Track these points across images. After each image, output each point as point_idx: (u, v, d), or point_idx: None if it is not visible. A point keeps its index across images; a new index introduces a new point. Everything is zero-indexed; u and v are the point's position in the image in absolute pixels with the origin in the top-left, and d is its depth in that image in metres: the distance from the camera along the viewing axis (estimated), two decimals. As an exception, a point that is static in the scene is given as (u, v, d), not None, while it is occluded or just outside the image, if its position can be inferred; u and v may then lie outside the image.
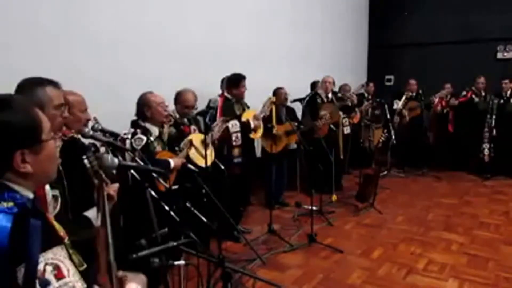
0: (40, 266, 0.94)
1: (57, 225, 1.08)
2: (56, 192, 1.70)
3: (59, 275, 0.97)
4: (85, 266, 1.05)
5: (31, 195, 1.06)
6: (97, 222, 1.61)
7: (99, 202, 1.49)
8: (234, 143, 4.00)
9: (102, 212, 1.42)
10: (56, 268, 0.97)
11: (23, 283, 0.91)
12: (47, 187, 1.64)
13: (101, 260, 1.33)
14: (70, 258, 1.02)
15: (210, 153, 3.31)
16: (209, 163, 3.27)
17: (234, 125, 3.98)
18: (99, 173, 1.50)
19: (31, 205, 1.03)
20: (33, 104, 1.09)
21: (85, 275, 1.03)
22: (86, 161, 1.51)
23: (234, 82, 4.10)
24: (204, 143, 3.07)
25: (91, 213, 1.67)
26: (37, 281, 0.93)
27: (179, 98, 3.58)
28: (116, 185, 1.68)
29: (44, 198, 1.62)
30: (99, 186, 1.49)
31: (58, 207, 1.71)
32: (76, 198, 1.83)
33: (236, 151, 4.03)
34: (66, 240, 1.06)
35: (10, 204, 0.97)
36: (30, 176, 1.03)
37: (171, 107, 3.52)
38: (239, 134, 4.01)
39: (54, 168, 1.14)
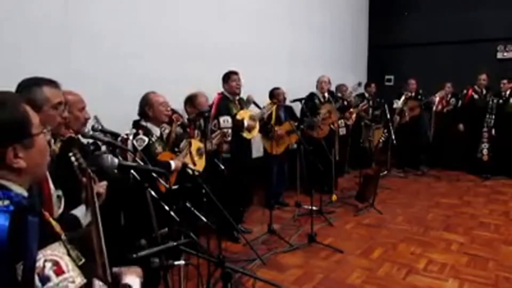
0: (40, 263, 0.94)
1: (53, 222, 1.08)
2: (60, 192, 1.70)
3: (58, 271, 0.97)
4: (83, 260, 1.06)
5: (25, 193, 1.06)
6: (85, 220, 1.61)
7: (87, 200, 1.48)
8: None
9: (93, 210, 1.41)
10: (56, 264, 0.97)
11: (22, 280, 0.92)
12: (52, 187, 1.64)
13: (96, 257, 1.33)
14: (69, 254, 1.02)
15: (202, 163, 3.31)
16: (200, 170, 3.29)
17: (225, 121, 3.96)
18: (86, 170, 1.49)
19: (27, 203, 1.03)
20: (21, 99, 1.09)
21: (84, 270, 1.04)
22: (72, 158, 1.50)
23: (224, 78, 4.15)
24: (205, 148, 3.08)
25: (79, 211, 1.66)
26: (37, 278, 0.93)
27: (193, 101, 3.62)
28: (104, 183, 1.67)
29: (50, 198, 1.62)
30: (86, 184, 1.48)
31: (62, 207, 1.71)
32: (76, 198, 1.83)
33: (224, 147, 4.02)
34: (63, 236, 1.06)
35: (6, 202, 0.98)
36: (23, 171, 1.04)
37: (172, 106, 3.52)
38: (229, 130, 4.00)
39: (46, 162, 1.14)
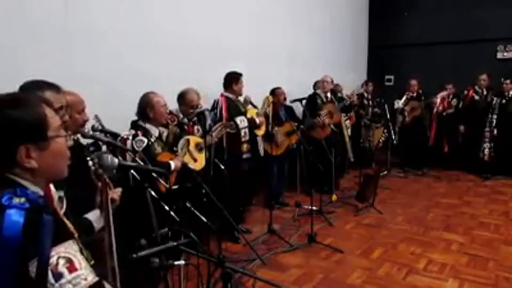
0: (53, 260, 0.96)
1: (67, 221, 1.10)
2: (62, 193, 1.71)
3: (71, 268, 0.99)
4: (93, 261, 1.07)
5: (41, 192, 1.08)
6: (98, 224, 1.62)
7: (101, 205, 1.49)
8: (243, 139, 4.05)
9: (106, 215, 1.42)
10: (69, 261, 0.99)
11: (35, 277, 0.93)
12: (53, 188, 1.65)
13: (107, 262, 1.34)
14: (81, 253, 1.03)
15: (202, 158, 3.32)
16: (200, 167, 3.29)
17: (242, 121, 4.04)
18: (103, 176, 1.50)
19: (43, 201, 1.04)
20: (42, 101, 1.10)
21: (95, 269, 1.05)
22: (90, 162, 1.52)
23: (234, 80, 4.17)
24: (205, 145, 3.08)
25: (92, 216, 1.67)
26: (50, 274, 0.95)
27: (183, 98, 3.61)
28: (119, 189, 1.68)
29: (51, 199, 1.63)
30: (102, 189, 1.49)
31: (64, 208, 1.72)
32: (75, 200, 1.83)
33: (244, 147, 4.10)
34: (76, 235, 1.08)
35: (22, 199, 0.99)
36: (37, 172, 1.06)
37: (172, 106, 3.52)
38: (247, 130, 4.07)
39: (63, 165, 1.15)
